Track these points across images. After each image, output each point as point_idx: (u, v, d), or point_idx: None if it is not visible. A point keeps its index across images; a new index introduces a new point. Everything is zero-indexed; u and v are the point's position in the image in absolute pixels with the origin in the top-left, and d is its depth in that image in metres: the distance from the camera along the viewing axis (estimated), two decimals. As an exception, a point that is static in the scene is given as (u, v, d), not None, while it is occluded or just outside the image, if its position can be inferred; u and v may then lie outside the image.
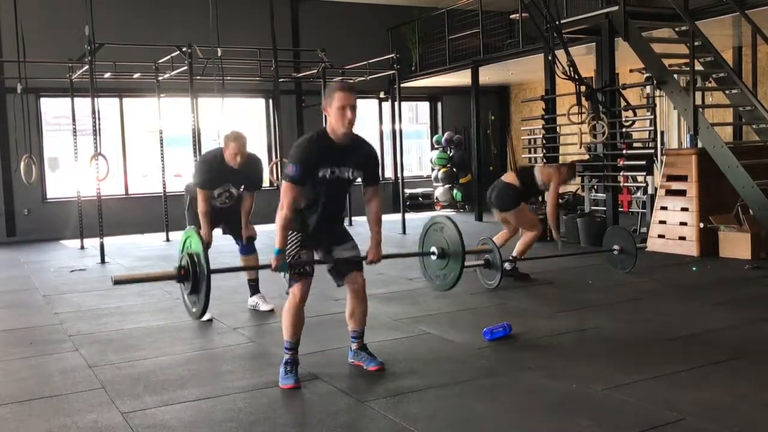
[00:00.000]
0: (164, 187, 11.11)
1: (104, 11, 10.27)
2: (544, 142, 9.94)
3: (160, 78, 10.75)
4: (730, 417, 3.13)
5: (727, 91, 8.57)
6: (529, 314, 5.33)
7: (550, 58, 8.71)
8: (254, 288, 5.70)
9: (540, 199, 7.97)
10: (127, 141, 12.55)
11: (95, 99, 9.13)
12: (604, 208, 9.00)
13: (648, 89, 9.18)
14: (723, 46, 9.21)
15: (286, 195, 3.63)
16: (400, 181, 11.93)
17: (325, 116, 3.67)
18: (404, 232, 10.74)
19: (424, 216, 12.96)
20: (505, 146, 15.60)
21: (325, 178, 3.66)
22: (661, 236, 8.00)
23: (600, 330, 4.80)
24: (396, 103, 11.36)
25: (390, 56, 11.63)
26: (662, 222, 8.02)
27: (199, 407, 3.50)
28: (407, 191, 13.59)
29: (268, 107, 13.52)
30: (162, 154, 11.02)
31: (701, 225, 7.58)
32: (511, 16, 12.07)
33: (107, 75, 10.56)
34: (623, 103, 8.97)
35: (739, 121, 9.47)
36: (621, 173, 8.77)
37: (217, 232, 5.57)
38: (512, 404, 3.44)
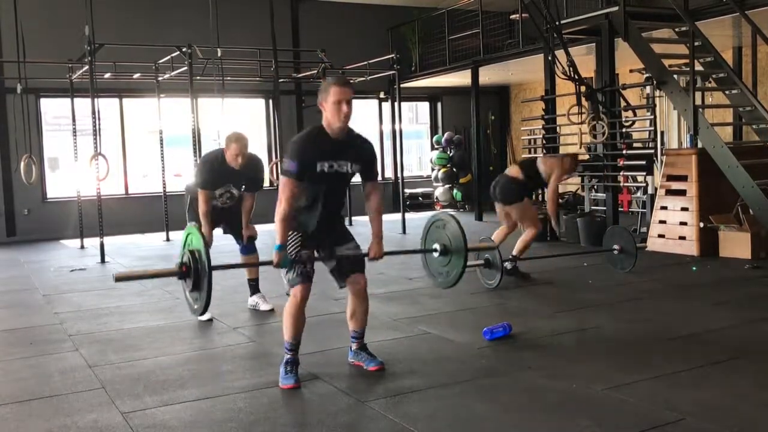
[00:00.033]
0: (164, 187, 11.11)
1: (104, 11, 10.27)
2: (544, 142, 9.95)
3: (160, 78, 10.75)
4: (730, 417, 3.13)
5: (727, 92, 8.56)
6: (529, 314, 5.33)
7: (550, 58, 8.71)
8: (254, 288, 5.70)
9: (542, 192, 7.97)
10: (127, 141, 12.55)
11: (95, 99, 9.13)
12: (604, 208, 9.01)
13: (648, 89, 9.18)
14: (723, 47, 9.21)
15: (284, 190, 3.63)
16: (400, 181, 11.94)
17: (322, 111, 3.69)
18: (404, 231, 10.74)
19: (424, 216, 12.96)
20: (505, 146, 15.60)
21: (324, 173, 3.65)
22: (661, 236, 8.00)
23: (600, 330, 4.80)
24: (396, 103, 11.36)
25: (390, 56, 11.63)
26: (662, 222, 8.02)
27: (199, 407, 3.50)
28: (407, 191, 13.60)
29: (268, 107, 13.52)
30: (162, 154, 11.02)
31: (701, 225, 7.58)
32: (511, 17, 12.08)
33: (107, 75, 10.56)
34: (623, 103, 8.98)
35: (739, 121, 9.47)
36: (621, 173, 8.77)
37: (218, 232, 5.57)
38: (512, 404, 3.44)
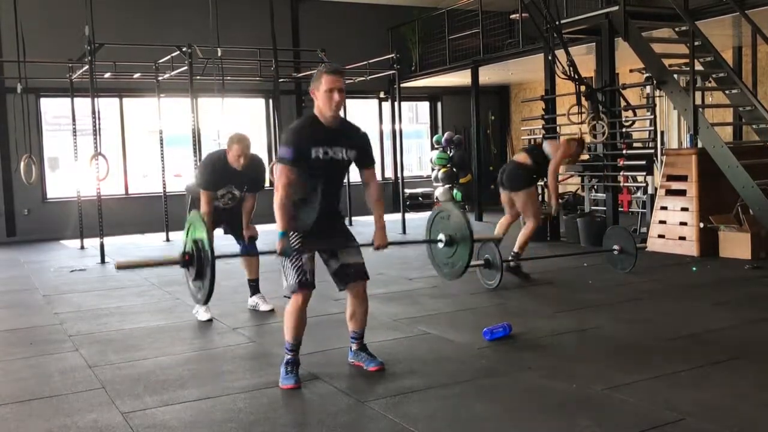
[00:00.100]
0: (164, 187, 11.11)
1: (104, 11, 10.27)
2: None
3: (160, 78, 10.75)
4: (730, 417, 3.13)
5: (727, 91, 8.57)
6: (529, 314, 5.33)
7: (550, 58, 8.71)
8: (254, 288, 5.70)
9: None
10: (127, 141, 12.55)
11: (95, 99, 9.14)
12: (604, 208, 9.01)
13: (648, 89, 9.18)
14: (723, 46, 9.21)
15: (281, 177, 3.64)
16: (400, 181, 11.93)
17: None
18: (404, 231, 10.74)
19: (424, 216, 12.98)
20: (505, 146, 15.60)
21: (319, 159, 3.65)
22: (661, 236, 8.00)
23: (600, 330, 4.80)
24: (396, 103, 11.36)
25: (390, 56, 11.62)
26: (662, 222, 8.02)
27: (199, 407, 3.50)
28: (407, 191, 13.60)
29: (268, 107, 13.52)
30: (162, 154, 11.02)
31: (701, 225, 7.58)
32: (511, 16, 12.08)
33: (107, 75, 10.56)
34: (623, 103, 8.98)
35: (739, 121, 9.47)
36: (621, 173, 8.77)
37: (218, 232, 5.57)
38: (512, 404, 3.44)
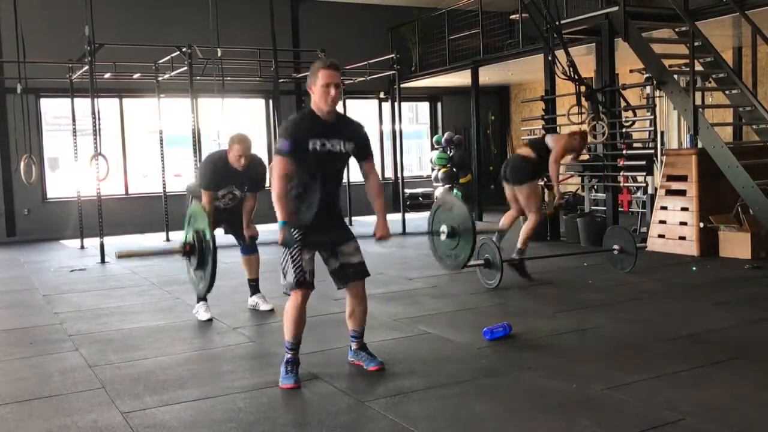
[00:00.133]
0: (164, 187, 11.11)
1: (104, 11, 10.28)
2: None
3: (160, 78, 10.75)
4: (730, 417, 3.13)
5: (727, 92, 8.56)
6: (529, 314, 5.33)
7: (550, 58, 8.71)
8: (254, 288, 5.70)
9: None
10: (127, 141, 12.55)
11: (95, 99, 9.14)
12: (604, 208, 9.00)
13: (648, 89, 9.18)
14: (723, 47, 9.22)
15: (277, 168, 3.65)
16: (400, 181, 11.93)
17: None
18: (404, 232, 10.74)
19: (425, 216, 12.98)
20: (505, 146, 15.60)
21: (316, 151, 3.66)
22: (661, 236, 8.00)
23: (600, 330, 4.80)
24: (396, 104, 11.35)
25: (390, 56, 11.62)
26: (662, 222, 8.02)
27: (199, 407, 3.50)
28: (407, 191, 13.60)
29: (268, 107, 13.52)
30: (162, 154, 11.03)
31: (701, 225, 7.58)
32: (511, 17, 12.08)
33: (107, 75, 10.56)
34: (623, 104, 8.97)
35: (739, 122, 9.47)
36: (621, 173, 8.77)
37: (219, 232, 5.56)
38: (512, 404, 3.44)
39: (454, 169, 13.95)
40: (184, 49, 9.21)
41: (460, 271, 6.47)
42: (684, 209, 7.79)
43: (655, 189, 8.53)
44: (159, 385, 3.84)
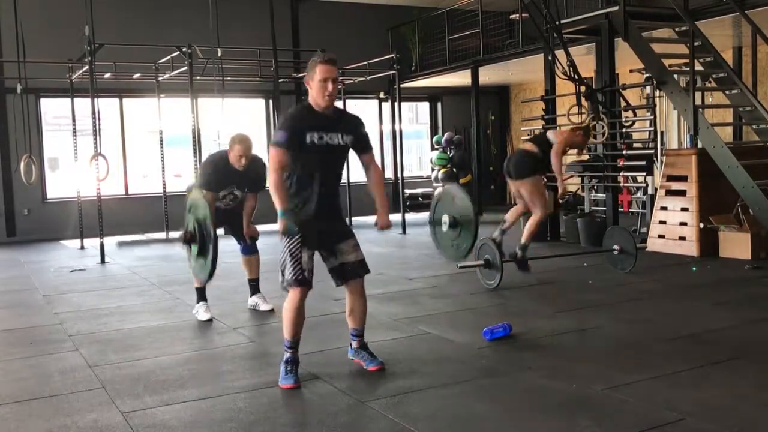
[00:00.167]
0: (164, 187, 11.12)
1: (104, 11, 10.28)
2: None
3: (160, 78, 10.76)
4: (730, 417, 3.13)
5: (727, 92, 8.56)
6: (529, 314, 5.33)
7: (550, 58, 8.71)
8: (254, 288, 5.70)
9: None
10: (127, 141, 12.55)
11: (95, 99, 9.14)
12: (604, 208, 9.00)
13: (648, 89, 9.18)
14: (723, 46, 9.21)
15: (274, 160, 3.66)
16: (400, 181, 11.93)
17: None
18: (404, 232, 10.74)
19: (425, 216, 12.97)
20: (505, 146, 15.60)
21: (314, 144, 3.66)
22: (661, 236, 8.00)
23: (600, 330, 4.80)
24: (396, 104, 11.36)
25: (390, 56, 11.63)
26: (662, 222, 8.02)
27: (199, 407, 3.50)
28: (407, 191, 13.59)
29: (268, 107, 13.52)
30: (162, 154, 11.04)
31: (701, 225, 7.58)
32: (511, 16, 12.08)
33: (107, 75, 10.57)
34: (623, 104, 8.97)
35: (739, 122, 9.47)
36: (621, 173, 8.77)
37: (219, 232, 5.56)
38: (512, 404, 3.44)
39: (454, 170, 13.95)
40: (184, 49, 9.21)
41: (459, 270, 6.52)
42: (684, 209, 7.79)
43: (655, 189, 8.53)
44: (159, 385, 3.84)
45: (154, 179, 11.91)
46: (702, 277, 6.59)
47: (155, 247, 10.17)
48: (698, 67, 8.45)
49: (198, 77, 9.59)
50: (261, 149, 12.74)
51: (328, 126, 3.71)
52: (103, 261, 8.73)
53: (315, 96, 3.68)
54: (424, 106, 15.75)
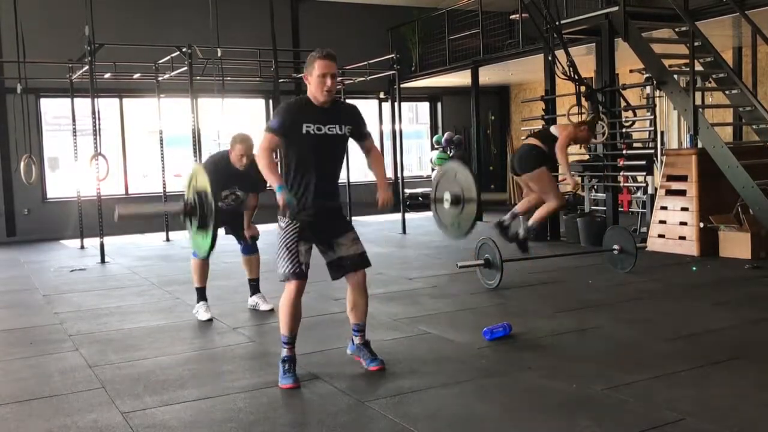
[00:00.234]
0: (164, 187, 11.12)
1: (104, 11, 10.28)
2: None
3: (160, 78, 10.76)
4: (730, 417, 3.13)
5: (727, 92, 8.57)
6: (529, 314, 5.33)
7: (550, 58, 8.71)
8: (254, 288, 5.70)
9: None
10: (127, 141, 12.56)
11: (95, 99, 9.14)
12: (604, 208, 9.01)
13: (648, 89, 9.18)
14: (723, 47, 9.22)
15: (263, 142, 3.68)
16: (400, 181, 11.93)
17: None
18: (404, 231, 10.73)
19: (424, 216, 12.96)
20: (505, 146, 15.60)
21: (311, 135, 3.67)
22: (661, 236, 8.00)
23: (600, 330, 4.80)
24: (396, 104, 11.36)
25: (390, 56, 11.63)
26: (662, 222, 8.02)
27: (199, 407, 3.50)
28: (407, 191, 13.60)
29: (268, 107, 13.52)
30: (162, 154, 11.03)
31: (701, 225, 7.58)
32: (511, 17, 12.08)
33: (107, 75, 10.57)
34: (623, 104, 8.98)
35: (739, 122, 9.47)
36: (621, 173, 8.77)
37: (219, 232, 5.56)
38: (512, 404, 3.44)
39: (454, 169, 13.93)
40: (184, 49, 9.21)
41: (459, 270, 6.52)
42: (684, 209, 7.79)
43: (655, 189, 8.53)
44: (159, 385, 3.84)
45: (154, 179, 11.90)
46: (702, 277, 6.59)
47: (155, 247, 10.17)
48: (698, 67, 8.45)
49: (198, 77, 9.59)
50: (261, 149, 12.85)
51: (326, 118, 3.71)
52: (103, 261, 8.73)
53: (314, 91, 3.67)
54: (424, 106, 15.75)
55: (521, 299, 5.93)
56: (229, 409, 3.45)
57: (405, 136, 12.38)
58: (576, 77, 8.25)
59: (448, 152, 14.10)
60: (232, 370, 4.13)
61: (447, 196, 4.12)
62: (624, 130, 8.91)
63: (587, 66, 9.73)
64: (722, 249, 7.52)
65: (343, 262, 3.83)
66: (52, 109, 12.53)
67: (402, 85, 11.76)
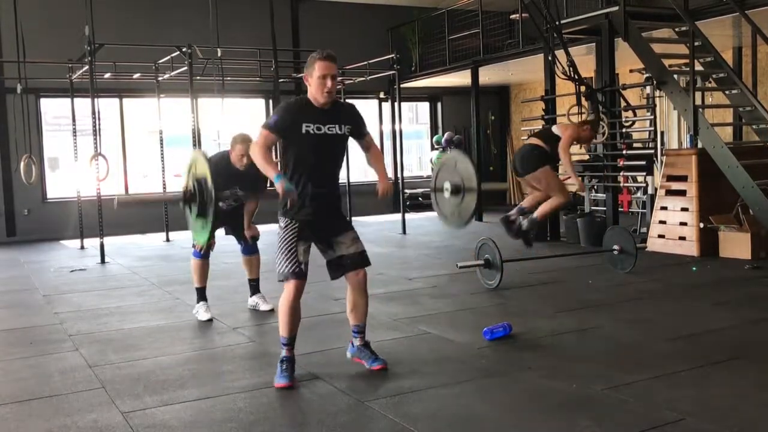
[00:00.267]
0: (164, 188, 11.11)
1: (104, 11, 10.28)
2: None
3: (160, 78, 10.76)
4: (730, 417, 3.13)
5: (727, 92, 8.57)
6: (529, 314, 5.33)
7: (550, 58, 8.71)
8: (254, 288, 5.70)
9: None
10: (127, 141, 12.56)
11: (95, 99, 9.14)
12: (604, 208, 9.01)
13: (648, 89, 9.18)
14: (723, 46, 9.22)
15: (259, 138, 3.68)
16: (400, 181, 11.93)
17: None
18: (404, 231, 10.73)
19: (424, 216, 12.97)
20: (505, 146, 15.61)
21: (310, 134, 3.67)
22: (661, 236, 8.00)
23: (600, 330, 4.80)
24: (396, 104, 11.36)
25: (390, 56, 11.63)
26: (662, 222, 8.02)
27: (199, 407, 3.50)
28: (407, 191, 13.58)
29: (268, 107, 13.52)
30: (162, 154, 11.03)
31: (701, 225, 7.58)
32: (511, 16, 12.09)
33: (107, 75, 10.57)
34: (623, 104, 8.98)
35: (739, 122, 9.47)
36: (621, 173, 8.77)
37: (219, 232, 5.56)
38: (512, 404, 3.45)
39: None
40: (184, 49, 9.21)
41: (459, 270, 6.52)
42: (684, 209, 7.79)
43: (655, 189, 8.53)
44: (159, 385, 3.84)
45: (154, 179, 11.88)
46: (702, 277, 6.59)
47: (155, 248, 10.17)
48: (698, 67, 8.45)
49: (198, 77, 9.59)
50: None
51: (326, 118, 3.71)
52: (103, 261, 8.73)
53: (314, 92, 3.68)
54: (424, 106, 15.76)
55: (521, 299, 5.93)
56: (229, 409, 3.45)
57: (405, 136, 12.38)
58: (576, 77, 8.25)
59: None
60: (232, 370, 4.13)
61: (447, 185, 4.11)
62: (624, 130, 8.91)
63: (587, 66, 9.73)
64: (722, 249, 7.52)
65: (343, 260, 3.82)
66: (52, 109, 12.53)
67: (402, 85, 11.76)
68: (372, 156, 3.99)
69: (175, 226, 10.48)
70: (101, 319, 5.53)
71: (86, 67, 9.20)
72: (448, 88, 14.84)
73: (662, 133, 10.02)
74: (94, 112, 9.15)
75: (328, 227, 3.82)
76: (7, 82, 10.92)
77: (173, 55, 9.74)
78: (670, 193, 8.03)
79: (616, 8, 8.29)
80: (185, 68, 9.36)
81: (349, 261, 3.82)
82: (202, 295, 5.44)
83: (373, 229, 11.20)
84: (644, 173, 8.75)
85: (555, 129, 6.70)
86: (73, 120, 10.65)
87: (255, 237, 5.58)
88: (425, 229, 10.93)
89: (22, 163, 9.70)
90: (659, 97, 9.44)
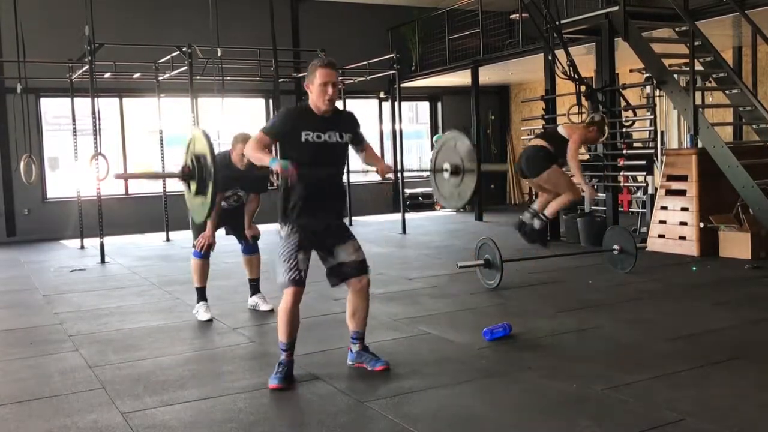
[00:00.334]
0: (164, 187, 11.11)
1: (104, 11, 10.28)
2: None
3: (160, 78, 10.76)
4: (730, 417, 3.13)
5: (727, 91, 8.57)
6: (529, 314, 5.33)
7: (550, 58, 8.71)
8: (255, 288, 5.70)
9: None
10: (127, 141, 12.56)
11: (95, 99, 9.14)
12: (604, 208, 9.01)
13: (648, 89, 9.18)
14: (723, 46, 9.21)
15: (252, 140, 3.70)
16: (400, 181, 11.93)
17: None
18: (404, 231, 10.73)
19: (425, 216, 12.98)
20: (505, 146, 15.61)
21: (309, 143, 3.67)
22: (661, 236, 8.00)
23: (600, 330, 4.80)
24: (396, 103, 11.36)
25: (390, 56, 11.63)
26: (662, 222, 8.02)
27: (199, 407, 3.50)
28: (407, 191, 13.59)
29: (268, 107, 13.52)
30: (162, 154, 11.02)
31: (701, 225, 7.58)
32: (511, 16, 12.08)
33: (107, 75, 10.57)
34: (623, 103, 8.98)
35: (739, 121, 9.47)
36: (621, 173, 8.77)
37: (220, 232, 5.57)
38: (512, 404, 3.45)
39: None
40: (184, 49, 9.21)
41: (459, 270, 6.52)
42: (684, 209, 7.79)
43: (655, 189, 8.53)
44: (159, 386, 3.84)
45: (153, 179, 11.91)
46: (702, 277, 6.59)
47: (155, 247, 10.17)
48: (698, 67, 8.45)
49: (198, 77, 9.59)
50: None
51: (326, 126, 3.72)
52: (103, 261, 8.73)
53: (315, 100, 3.68)
54: (424, 106, 15.75)
55: (521, 299, 5.93)
56: (229, 409, 3.45)
57: (405, 136, 12.37)
58: (576, 77, 8.24)
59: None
60: (232, 371, 4.13)
61: (446, 165, 4.10)
62: (624, 129, 8.91)
63: (587, 66, 9.72)
64: (722, 249, 7.52)
65: (344, 268, 3.83)
66: (52, 109, 12.52)
67: (402, 85, 11.76)
68: (367, 155, 4.01)
69: (175, 226, 10.49)
70: (101, 320, 5.53)
71: (86, 67, 9.20)
72: (448, 88, 14.84)
73: (662, 132, 10.02)
74: (94, 112, 9.15)
75: (330, 234, 3.83)
76: (7, 81, 10.91)
77: (173, 54, 9.74)
78: (670, 192, 8.02)
79: (616, 8, 8.29)
80: (185, 68, 9.36)
81: (350, 269, 3.83)
82: (202, 295, 5.44)
83: (373, 228, 11.19)
84: (644, 173, 8.76)
85: (561, 130, 6.66)
86: (73, 120, 10.65)
87: (256, 236, 5.58)
88: (425, 229, 10.93)
89: (22, 163, 9.69)
90: (659, 96, 9.44)
